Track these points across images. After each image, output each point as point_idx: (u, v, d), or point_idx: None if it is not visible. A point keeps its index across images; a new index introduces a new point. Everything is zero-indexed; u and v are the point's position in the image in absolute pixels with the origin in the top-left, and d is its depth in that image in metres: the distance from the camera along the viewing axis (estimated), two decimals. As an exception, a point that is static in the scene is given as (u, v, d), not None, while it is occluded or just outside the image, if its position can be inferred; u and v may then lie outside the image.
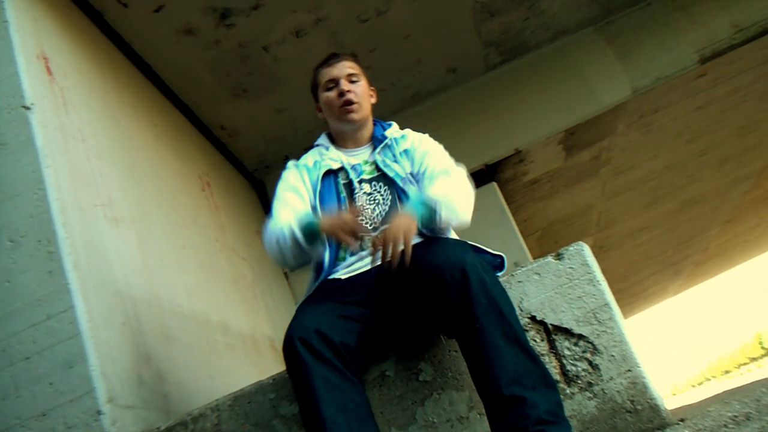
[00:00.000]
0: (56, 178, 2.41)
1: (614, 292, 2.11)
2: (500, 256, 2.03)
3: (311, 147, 2.32)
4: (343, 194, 2.14)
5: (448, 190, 2.01)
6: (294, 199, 2.15)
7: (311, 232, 1.97)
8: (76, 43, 3.14)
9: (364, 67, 2.32)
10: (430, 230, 1.99)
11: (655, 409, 1.87)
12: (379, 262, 1.83)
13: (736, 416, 1.76)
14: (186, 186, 3.91)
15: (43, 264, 2.27)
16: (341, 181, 2.17)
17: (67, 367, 2.16)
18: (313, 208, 2.12)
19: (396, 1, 4.29)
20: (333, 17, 4.20)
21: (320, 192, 2.14)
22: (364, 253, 2.02)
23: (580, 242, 2.08)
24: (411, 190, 2.12)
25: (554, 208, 7.67)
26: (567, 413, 1.75)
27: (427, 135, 2.30)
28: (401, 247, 1.79)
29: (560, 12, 5.08)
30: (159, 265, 3.04)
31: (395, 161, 2.18)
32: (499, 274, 1.98)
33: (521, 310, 2.00)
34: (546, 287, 2.02)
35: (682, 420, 1.92)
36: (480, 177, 5.41)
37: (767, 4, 5.17)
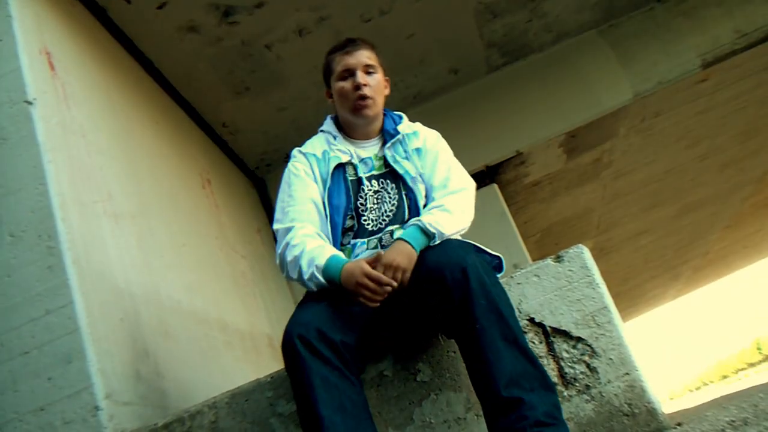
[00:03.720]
0: (57, 174, 2.41)
1: (613, 295, 2.11)
2: (498, 257, 2.02)
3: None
4: (352, 191, 2.07)
5: (451, 217, 1.96)
6: (308, 206, 2.04)
7: (332, 279, 1.88)
8: (79, 39, 3.14)
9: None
10: None
11: (652, 412, 1.87)
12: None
13: (733, 421, 1.76)
14: (186, 183, 3.91)
15: (42, 259, 2.27)
16: (349, 176, 2.09)
17: (65, 363, 2.17)
18: (323, 203, 2.05)
19: (399, 1, 4.29)
20: (336, 16, 4.20)
21: (329, 187, 2.06)
22: (367, 254, 2.02)
23: (580, 245, 2.09)
24: (419, 189, 2.08)
25: (555, 211, 7.67)
26: (564, 416, 1.75)
27: (437, 134, 2.24)
28: (400, 278, 1.82)
29: (563, 14, 5.08)
30: (158, 261, 3.05)
31: (406, 158, 2.11)
32: (498, 275, 1.98)
33: (520, 312, 2.00)
34: (545, 289, 2.02)
35: (679, 424, 1.92)
36: (481, 178, 5.41)
37: (770, 10, 5.18)
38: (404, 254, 1.85)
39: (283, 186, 2.12)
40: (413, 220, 1.95)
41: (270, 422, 2.03)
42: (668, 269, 13.27)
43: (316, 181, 2.08)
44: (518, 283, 2.04)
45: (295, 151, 2.18)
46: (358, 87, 2.08)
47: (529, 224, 7.61)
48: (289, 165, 2.15)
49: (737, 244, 13.51)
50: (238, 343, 3.64)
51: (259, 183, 5.44)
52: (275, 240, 2.08)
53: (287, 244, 1.98)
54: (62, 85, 2.75)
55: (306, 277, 1.91)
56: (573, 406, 1.91)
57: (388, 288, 1.82)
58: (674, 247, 11.52)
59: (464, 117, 5.31)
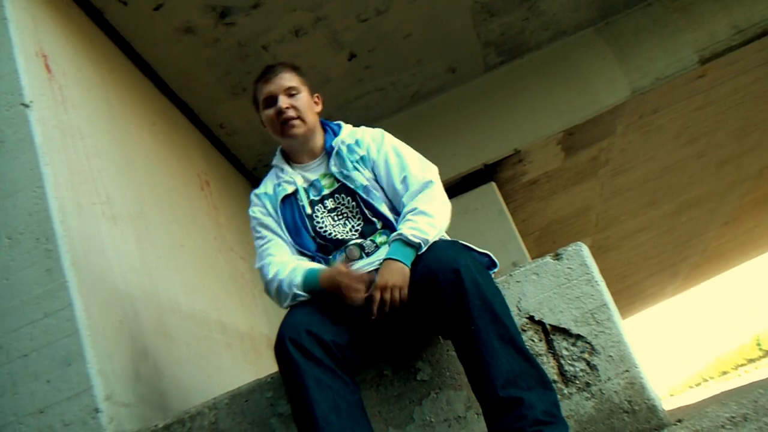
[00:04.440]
0: (55, 176, 2.41)
1: (612, 293, 2.11)
2: (487, 255, 2.00)
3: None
4: (306, 217, 2.09)
5: (430, 219, 1.94)
6: (277, 240, 2.11)
7: (313, 290, 1.95)
8: (76, 41, 3.14)
9: (307, 78, 2.23)
10: None
11: (652, 409, 1.87)
12: (376, 313, 1.85)
13: (733, 417, 1.76)
14: (184, 185, 3.91)
15: (41, 262, 2.27)
16: (302, 203, 2.11)
17: (64, 365, 2.16)
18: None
19: (396, 0, 4.29)
20: (333, 16, 4.19)
21: (285, 220, 2.11)
22: (355, 260, 2.03)
23: (579, 242, 2.09)
24: (375, 196, 2.07)
25: (553, 209, 7.67)
26: (564, 413, 1.75)
27: (381, 131, 2.21)
28: (398, 296, 1.83)
29: (560, 12, 5.08)
30: (157, 263, 3.04)
31: (354, 169, 2.10)
32: (491, 272, 1.96)
33: (519, 310, 2.00)
34: (544, 287, 2.02)
35: (679, 421, 1.92)
36: (479, 177, 5.41)
37: (767, 5, 5.17)
38: (396, 272, 1.84)
39: (252, 233, 2.21)
40: (394, 235, 1.93)
41: (270, 422, 2.03)
42: (667, 266, 13.28)
43: (273, 218, 2.15)
44: (517, 281, 2.04)
45: (252, 195, 2.26)
46: (280, 111, 2.10)
47: (528, 222, 7.61)
48: (249, 211, 2.24)
49: (736, 241, 13.52)
50: (238, 344, 3.64)
51: (257, 183, 5.41)
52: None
53: (267, 280, 2.05)
54: (59, 88, 2.74)
55: (291, 300, 1.97)
56: (573, 404, 1.91)
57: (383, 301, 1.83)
58: (673, 244, 11.53)
59: (462, 116, 5.31)
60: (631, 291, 14.25)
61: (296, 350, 1.74)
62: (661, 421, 1.85)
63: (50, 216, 2.31)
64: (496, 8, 4.74)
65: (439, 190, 2.05)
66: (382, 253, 1.99)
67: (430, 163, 2.13)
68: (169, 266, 3.16)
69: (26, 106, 2.45)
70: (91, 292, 2.34)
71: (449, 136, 5.16)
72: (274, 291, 2.02)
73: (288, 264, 2.02)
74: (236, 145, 5.04)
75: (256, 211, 2.20)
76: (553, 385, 1.77)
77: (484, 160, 5.45)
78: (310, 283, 1.94)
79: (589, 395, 1.91)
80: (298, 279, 1.96)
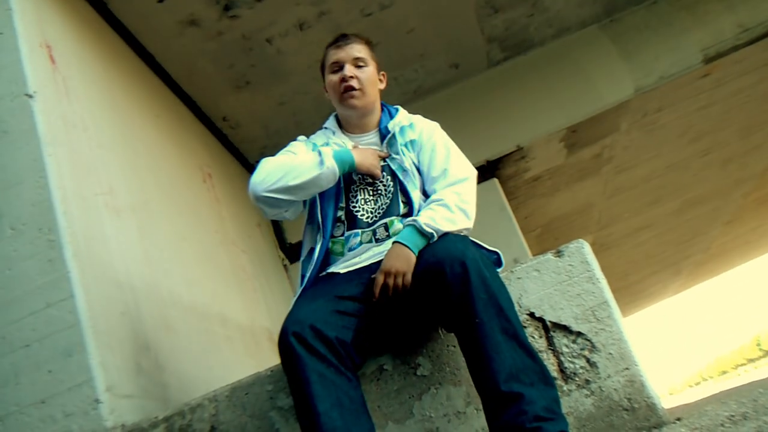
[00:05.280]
0: (58, 167, 2.41)
1: (614, 291, 2.11)
2: (496, 252, 2.02)
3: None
4: (342, 182, 2.09)
5: (450, 214, 1.95)
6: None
7: (342, 162, 2.02)
8: (80, 33, 3.14)
9: (377, 54, 2.25)
10: None
11: (652, 407, 1.87)
12: (378, 296, 1.86)
13: (732, 416, 1.76)
14: (187, 177, 3.91)
15: (43, 252, 2.27)
16: None
17: (66, 356, 2.17)
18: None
19: (400, -5, 4.28)
20: (336, 10, 4.19)
21: None
22: (362, 248, 2.03)
23: (581, 240, 2.09)
24: (413, 182, 2.08)
25: (555, 206, 7.66)
26: (564, 410, 1.75)
27: (436, 124, 2.24)
28: (401, 282, 1.84)
29: (564, 9, 5.06)
30: (159, 255, 3.05)
31: (400, 152, 2.13)
32: (497, 270, 1.97)
33: (520, 307, 2.00)
34: (545, 284, 2.02)
35: (678, 419, 1.92)
36: (481, 173, 5.36)
37: (773, 5, 5.16)
38: (402, 258, 1.86)
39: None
40: (409, 220, 1.95)
41: (270, 415, 2.04)
42: (669, 265, 13.27)
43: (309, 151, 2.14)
44: (518, 278, 2.04)
45: (299, 137, 2.25)
46: (344, 79, 2.12)
47: (530, 219, 7.60)
48: (289, 143, 2.22)
49: (739, 240, 13.50)
50: (238, 337, 3.65)
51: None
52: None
53: (268, 160, 2.08)
54: (63, 79, 2.75)
55: (313, 161, 2.01)
56: (572, 401, 1.91)
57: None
58: (675, 243, 11.52)
59: (465, 112, 5.31)
60: (632, 289, 14.24)
61: (300, 345, 1.74)
62: (661, 420, 1.86)
63: (53, 207, 2.31)
64: (500, 4, 4.73)
65: (470, 190, 2.06)
66: (389, 243, 1.98)
67: (473, 166, 2.15)
68: (171, 258, 3.17)
69: (30, 96, 2.46)
70: (93, 284, 2.34)
71: (452, 131, 5.11)
72: (281, 164, 2.04)
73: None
74: (239, 138, 5.04)
75: (298, 146, 2.19)
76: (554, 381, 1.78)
77: (487, 157, 5.45)
78: (343, 155, 2.03)
79: (588, 392, 1.92)
80: (329, 151, 2.03)
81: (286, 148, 2.18)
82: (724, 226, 11.65)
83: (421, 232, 1.90)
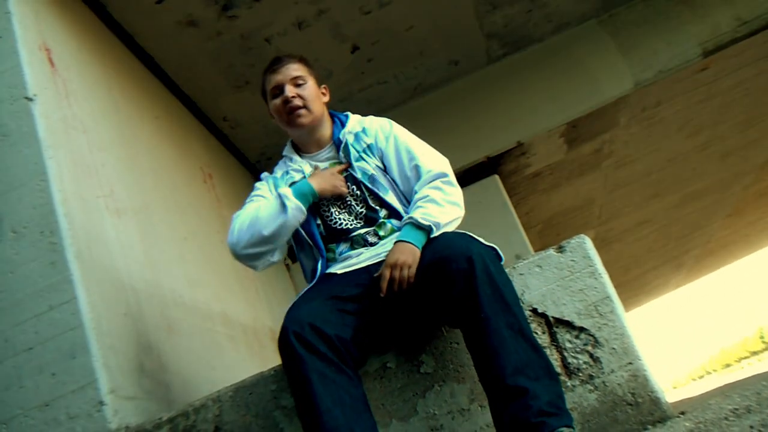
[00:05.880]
0: (58, 170, 2.41)
1: (615, 285, 2.11)
2: (493, 248, 2.02)
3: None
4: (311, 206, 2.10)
5: (439, 208, 1.97)
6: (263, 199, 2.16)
7: (304, 196, 2.03)
8: (79, 35, 3.13)
9: (314, 69, 2.26)
10: None
11: (655, 401, 1.87)
12: (384, 292, 1.87)
13: (736, 409, 1.76)
14: (188, 178, 3.91)
15: (45, 255, 2.27)
16: None
17: (69, 358, 2.17)
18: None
19: (398, -8, 4.28)
20: (335, 9, 4.19)
21: None
22: (356, 251, 2.04)
23: (582, 235, 2.08)
24: (381, 184, 2.09)
25: (556, 201, 7.66)
26: (568, 405, 1.76)
27: (389, 121, 2.22)
28: (407, 274, 1.84)
29: (563, 4, 5.06)
30: (161, 256, 3.05)
31: (360, 159, 2.13)
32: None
33: (523, 303, 2.00)
34: (548, 280, 2.02)
35: (682, 413, 1.92)
36: (482, 169, 5.41)
37: (771, -3, 5.15)
38: (406, 251, 1.87)
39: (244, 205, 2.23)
40: (405, 219, 1.97)
41: (274, 415, 2.04)
42: (670, 259, 13.27)
43: (272, 194, 2.17)
44: (521, 274, 2.04)
45: (262, 175, 2.30)
46: (287, 100, 2.13)
47: (531, 215, 7.61)
48: (254, 185, 2.27)
49: (739, 233, 13.50)
50: (241, 337, 3.65)
51: (259, 176, 5.42)
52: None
53: (238, 216, 2.12)
54: (63, 82, 2.75)
55: (276, 205, 2.04)
56: (576, 396, 1.91)
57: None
58: (676, 237, 11.52)
59: (465, 108, 5.30)
60: (634, 283, 14.25)
61: (300, 344, 1.75)
62: (665, 414, 1.86)
63: (54, 209, 2.32)
64: (499, 0, 4.72)
65: (450, 182, 2.07)
66: (384, 245, 2.02)
67: (440, 154, 2.14)
68: (172, 259, 3.17)
69: (30, 99, 2.46)
70: (96, 285, 2.35)
71: (452, 128, 5.15)
72: (249, 222, 2.06)
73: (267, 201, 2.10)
74: (239, 138, 5.04)
75: (259, 186, 2.23)
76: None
77: (487, 153, 5.44)
78: (303, 188, 2.05)
79: (592, 387, 1.92)
80: (287, 191, 2.05)
81: (253, 194, 2.21)
82: (725, 219, 11.65)
83: (420, 227, 1.92)
